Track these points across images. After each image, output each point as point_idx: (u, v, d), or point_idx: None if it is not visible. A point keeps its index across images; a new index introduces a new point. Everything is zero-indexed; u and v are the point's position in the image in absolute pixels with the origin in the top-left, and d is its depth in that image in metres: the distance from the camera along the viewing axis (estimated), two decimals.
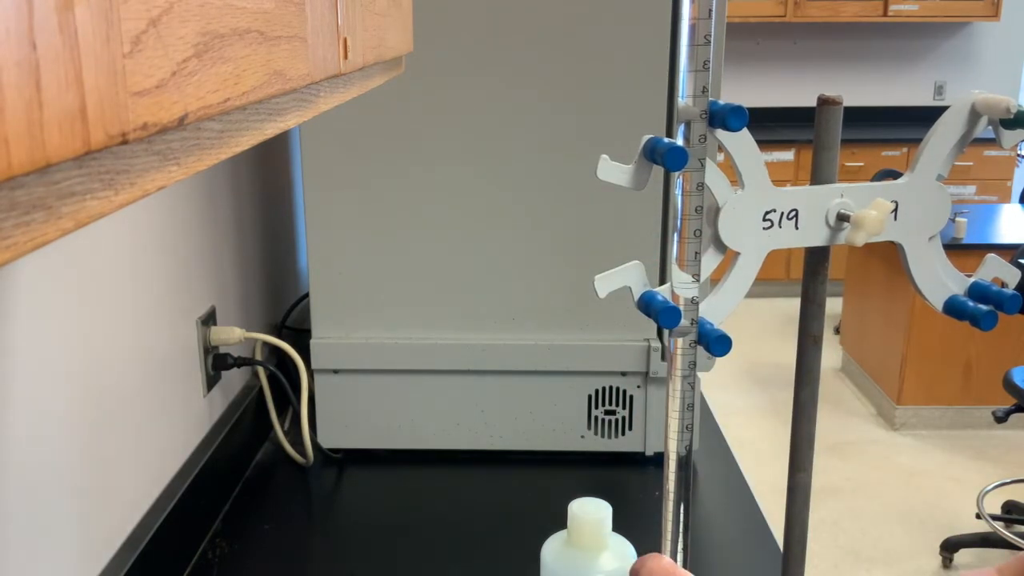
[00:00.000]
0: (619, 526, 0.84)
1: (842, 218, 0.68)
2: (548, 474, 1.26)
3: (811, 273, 0.75)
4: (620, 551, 0.81)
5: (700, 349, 0.66)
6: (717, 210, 0.66)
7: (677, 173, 0.62)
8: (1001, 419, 2.80)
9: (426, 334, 1.24)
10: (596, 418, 1.27)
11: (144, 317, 0.97)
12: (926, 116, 5.61)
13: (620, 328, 1.24)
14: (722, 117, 0.59)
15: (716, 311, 0.67)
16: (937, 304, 0.73)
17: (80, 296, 0.83)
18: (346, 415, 1.27)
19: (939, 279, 0.73)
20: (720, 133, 0.63)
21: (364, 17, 0.56)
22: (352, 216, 1.20)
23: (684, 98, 0.61)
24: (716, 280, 0.70)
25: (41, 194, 0.22)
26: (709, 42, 0.59)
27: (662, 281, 1.22)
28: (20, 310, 0.73)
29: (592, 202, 1.19)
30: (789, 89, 5.61)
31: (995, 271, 0.73)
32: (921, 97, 5.64)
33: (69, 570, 0.81)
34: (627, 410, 1.26)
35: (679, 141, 0.61)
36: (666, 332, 0.76)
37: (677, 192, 0.63)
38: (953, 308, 0.72)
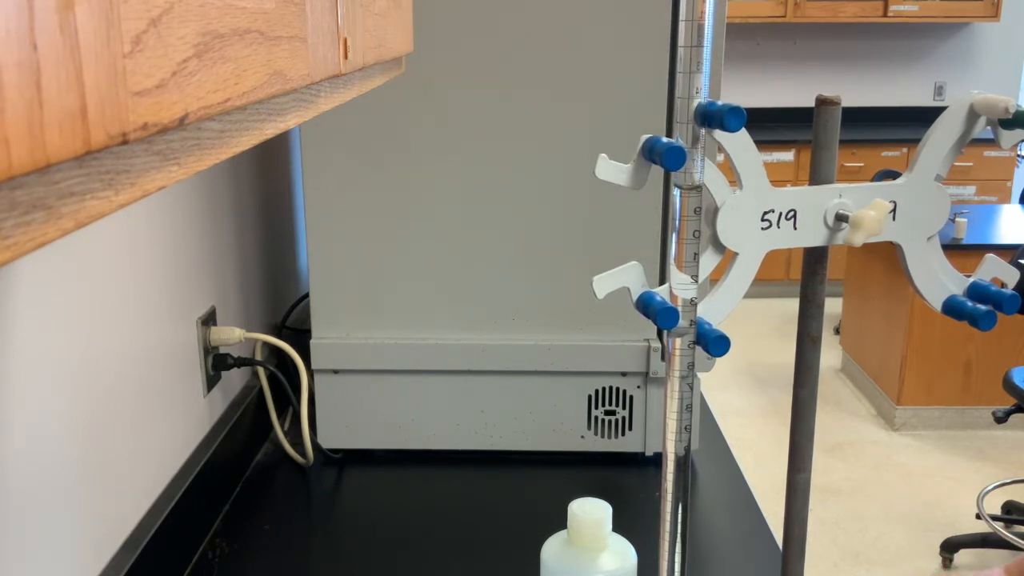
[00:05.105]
0: (619, 526, 0.84)
1: (840, 218, 0.68)
2: (548, 474, 1.26)
3: (810, 273, 0.75)
4: (620, 551, 0.81)
5: (699, 349, 0.66)
6: (716, 210, 0.66)
7: (676, 173, 0.62)
8: (1001, 419, 2.80)
9: (426, 334, 1.24)
10: (596, 418, 1.27)
11: (144, 317, 0.97)
12: (926, 116, 5.61)
13: (620, 328, 1.24)
14: (720, 118, 0.59)
15: (715, 311, 0.68)
16: (936, 304, 0.73)
17: (80, 296, 0.83)
18: (346, 415, 1.27)
19: (938, 279, 0.73)
20: (719, 133, 0.63)
21: (364, 17, 0.56)
22: (352, 216, 1.20)
23: (683, 99, 0.61)
24: (715, 280, 0.70)
25: (41, 194, 0.22)
26: (707, 44, 0.59)
27: (662, 281, 1.22)
28: (20, 310, 0.73)
29: (592, 202, 1.19)
30: (789, 89, 5.61)
31: (994, 271, 0.73)
32: (921, 97, 5.65)
33: (69, 570, 0.81)
34: (627, 410, 1.26)
35: (678, 141, 0.61)
36: (665, 332, 0.76)
37: (676, 193, 0.63)
38: (952, 308, 0.72)
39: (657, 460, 1.29)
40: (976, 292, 0.72)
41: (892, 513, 3.07)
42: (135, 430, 0.95)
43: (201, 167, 0.32)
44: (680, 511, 0.70)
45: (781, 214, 0.68)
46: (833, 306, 4.94)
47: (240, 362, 1.21)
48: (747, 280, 0.68)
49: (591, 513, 0.79)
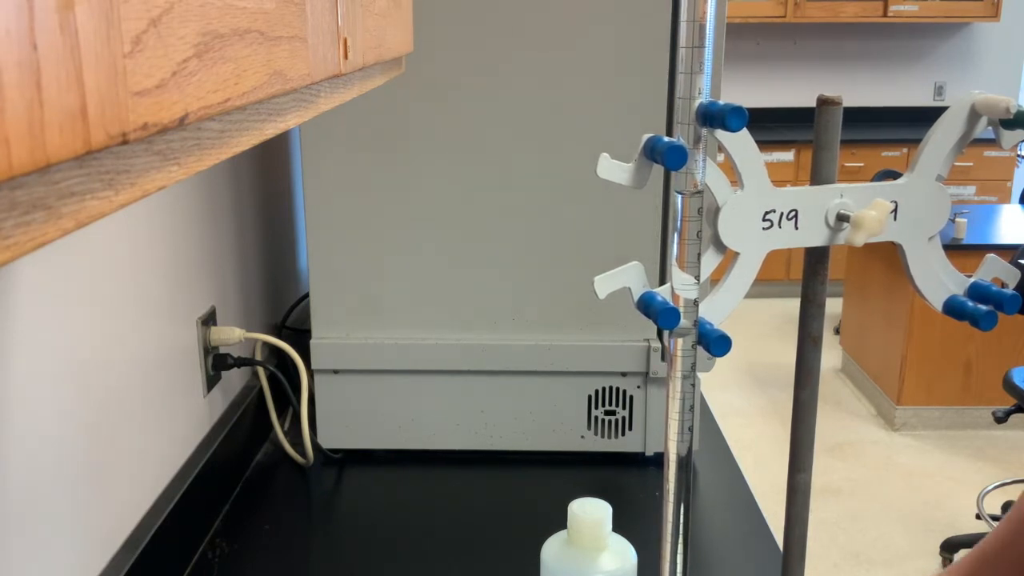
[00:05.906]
0: (619, 526, 0.84)
1: (842, 218, 0.68)
2: (548, 474, 1.26)
3: (811, 273, 0.75)
4: (620, 551, 0.81)
5: (700, 349, 0.66)
6: (717, 210, 0.66)
7: (677, 173, 0.62)
8: (1001, 419, 2.80)
9: (426, 334, 1.24)
10: (596, 418, 1.27)
11: (144, 317, 0.97)
12: (926, 116, 5.61)
13: (620, 328, 1.24)
14: (721, 117, 0.59)
15: (716, 311, 0.68)
16: (937, 304, 0.73)
17: (80, 296, 0.83)
18: (346, 415, 1.27)
19: (939, 279, 0.73)
20: (720, 133, 0.63)
21: (364, 17, 0.56)
22: (352, 216, 1.20)
23: (684, 99, 0.61)
24: (716, 280, 0.70)
25: (41, 194, 0.22)
26: (707, 44, 0.59)
27: (662, 281, 1.22)
28: (20, 310, 0.73)
29: (592, 202, 1.19)
30: (789, 89, 5.61)
31: (995, 271, 0.73)
32: (921, 97, 5.65)
33: (69, 570, 0.81)
34: (627, 410, 1.26)
35: (679, 140, 0.61)
36: (666, 333, 0.76)
37: (678, 195, 0.63)
38: (953, 308, 0.72)
39: (657, 460, 1.29)
40: (977, 292, 0.72)
41: (892, 513, 3.07)
42: (135, 430, 0.94)
43: (201, 167, 0.32)
44: (682, 512, 0.69)
45: (782, 214, 0.68)
46: (833, 306, 4.94)
47: (240, 362, 1.21)
48: (748, 280, 0.68)
49: (591, 513, 0.79)
